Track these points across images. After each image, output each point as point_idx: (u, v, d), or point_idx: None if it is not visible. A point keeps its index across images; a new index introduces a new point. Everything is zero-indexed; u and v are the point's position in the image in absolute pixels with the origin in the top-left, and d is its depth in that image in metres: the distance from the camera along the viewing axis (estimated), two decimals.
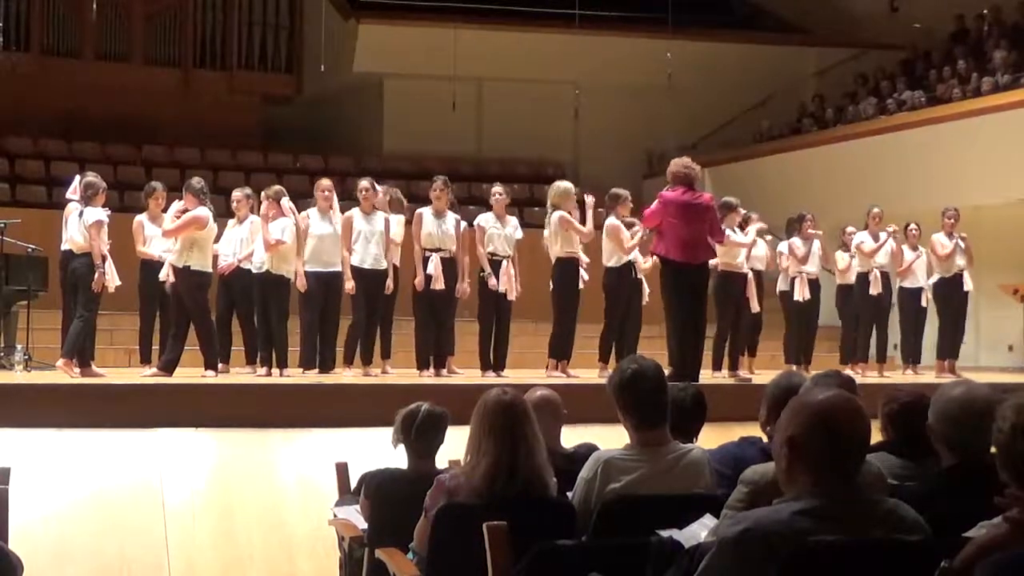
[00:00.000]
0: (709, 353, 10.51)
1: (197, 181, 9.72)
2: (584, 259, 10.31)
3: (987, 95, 15.46)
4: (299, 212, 10.12)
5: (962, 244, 11.88)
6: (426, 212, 10.14)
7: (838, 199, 15.39)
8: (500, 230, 10.24)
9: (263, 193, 9.95)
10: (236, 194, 10.27)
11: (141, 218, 10.22)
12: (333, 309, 10.06)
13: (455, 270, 10.11)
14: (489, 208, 10.46)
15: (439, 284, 9.94)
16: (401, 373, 10.34)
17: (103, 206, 9.28)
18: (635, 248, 10.22)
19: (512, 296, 10.19)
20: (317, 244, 9.93)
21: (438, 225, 10.07)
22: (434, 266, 9.91)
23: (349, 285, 9.90)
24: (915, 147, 15.71)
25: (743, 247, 10.95)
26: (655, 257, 9.80)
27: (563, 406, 4.93)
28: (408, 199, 13.56)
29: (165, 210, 9.95)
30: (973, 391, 3.73)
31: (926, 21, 18.74)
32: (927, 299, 12.18)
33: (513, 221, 10.44)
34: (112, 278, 9.08)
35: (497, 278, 10.10)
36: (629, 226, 10.34)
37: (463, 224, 10.31)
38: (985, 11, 17.94)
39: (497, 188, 10.50)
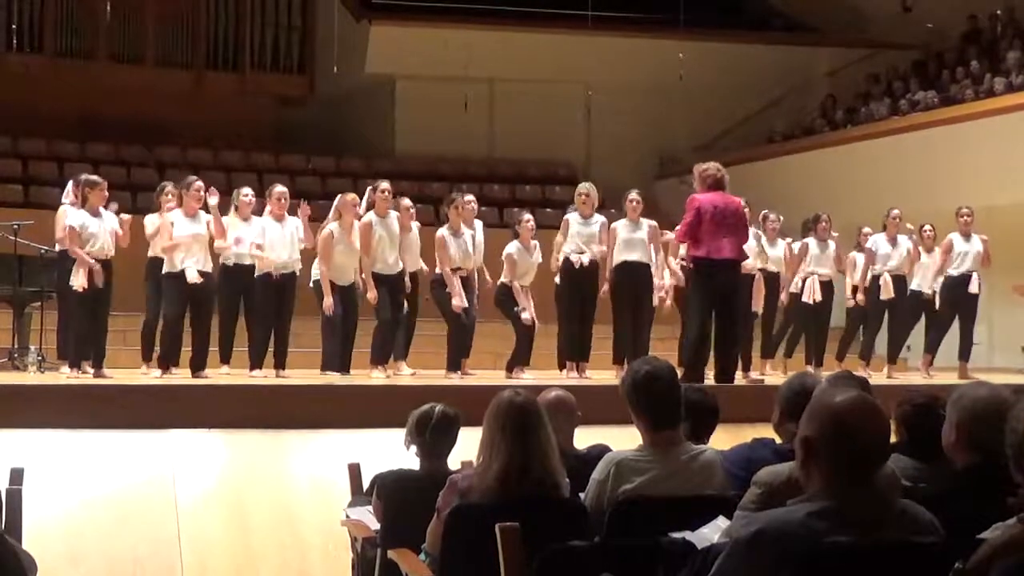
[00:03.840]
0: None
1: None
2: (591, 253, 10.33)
3: (1000, 95, 15.41)
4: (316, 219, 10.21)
5: (980, 245, 11.80)
6: (445, 234, 10.21)
7: (850, 200, 15.35)
8: (527, 260, 10.39)
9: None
10: (283, 190, 10.24)
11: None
12: (350, 318, 10.08)
13: (473, 283, 10.27)
14: (503, 226, 10.58)
15: (464, 303, 10.10)
16: (416, 374, 10.35)
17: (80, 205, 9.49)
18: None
19: (529, 319, 10.36)
20: (338, 259, 9.95)
21: (458, 245, 10.20)
22: (457, 290, 10.07)
23: (372, 295, 9.92)
24: (928, 147, 15.66)
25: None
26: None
27: (576, 407, 4.93)
28: (420, 200, 13.60)
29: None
30: (998, 392, 3.73)
31: (939, 21, 18.69)
32: (933, 301, 12.12)
33: (536, 248, 10.58)
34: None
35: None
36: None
37: (480, 232, 10.36)
38: (999, 11, 17.90)
39: (526, 215, 10.68)
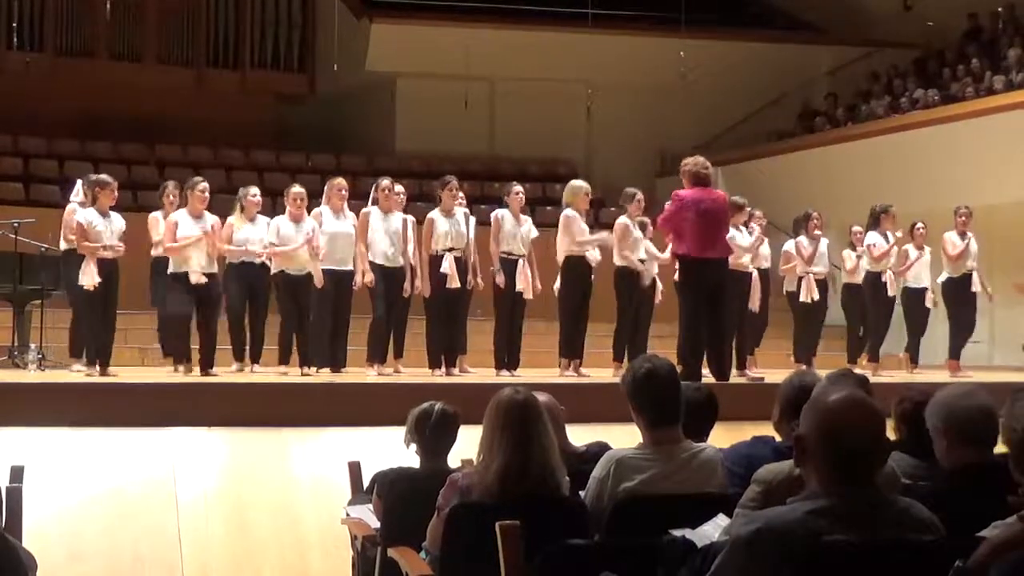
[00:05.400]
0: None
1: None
2: (594, 257, 10.29)
3: (1001, 93, 15.40)
4: (311, 210, 10.16)
5: (973, 245, 11.82)
6: (436, 214, 10.16)
7: (851, 198, 15.33)
8: (516, 228, 10.28)
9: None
10: (301, 190, 10.19)
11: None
12: (345, 308, 10.08)
13: (466, 267, 10.14)
14: (504, 205, 10.49)
15: (455, 283, 9.98)
16: (413, 372, 10.35)
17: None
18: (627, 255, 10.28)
19: (529, 295, 10.24)
20: (330, 242, 9.94)
21: (450, 224, 10.09)
22: (449, 265, 9.95)
23: (369, 278, 9.89)
24: (928, 146, 15.65)
25: (746, 251, 10.95)
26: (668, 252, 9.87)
27: (558, 405, 4.86)
28: (421, 198, 13.60)
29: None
30: (975, 391, 3.74)
31: (939, 19, 18.68)
32: (931, 299, 12.14)
33: (528, 220, 10.47)
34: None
35: (513, 277, 10.15)
36: (642, 226, 10.44)
37: (472, 220, 10.33)
38: (999, 9, 17.89)
39: (516, 187, 10.53)
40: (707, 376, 9.08)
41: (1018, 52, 16.06)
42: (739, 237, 10.74)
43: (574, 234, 10.15)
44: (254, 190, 10.31)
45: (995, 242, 12.13)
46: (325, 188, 10.33)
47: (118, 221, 9.54)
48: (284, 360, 10.03)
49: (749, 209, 11.25)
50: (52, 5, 18.32)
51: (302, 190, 10.20)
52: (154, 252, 10.18)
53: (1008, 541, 2.74)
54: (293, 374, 9.72)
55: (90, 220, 9.35)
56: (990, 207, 13.47)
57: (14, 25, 17.79)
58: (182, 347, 9.80)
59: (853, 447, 2.86)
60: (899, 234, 11.92)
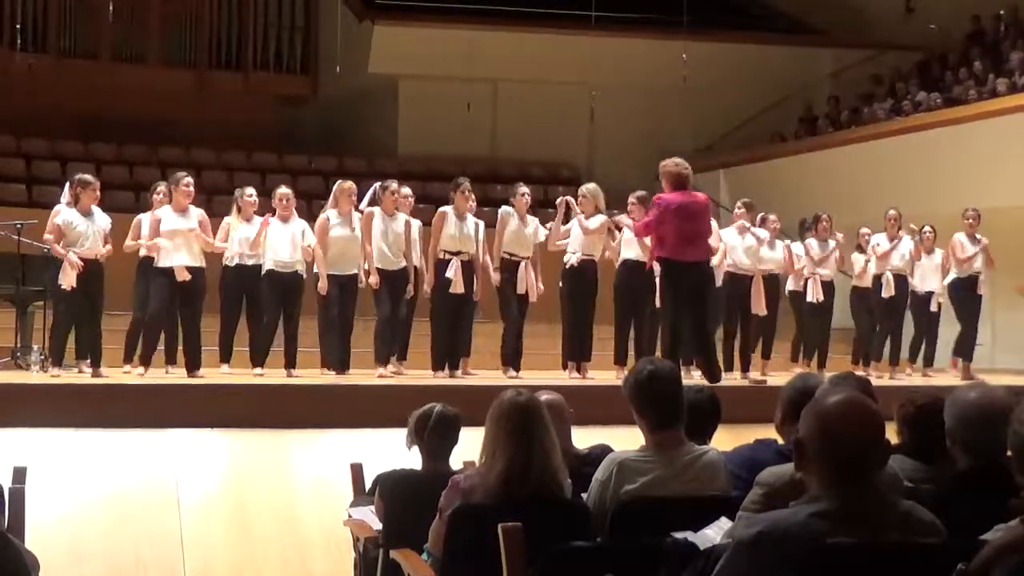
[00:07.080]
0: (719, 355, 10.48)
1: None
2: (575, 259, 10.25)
3: (1003, 96, 15.40)
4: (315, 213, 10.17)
5: (983, 247, 11.82)
6: (449, 212, 10.12)
7: (853, 201, 15.34)
8: (521, 230, 10.26)
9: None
10: (287, 191, 10.23)
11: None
12: (349, 311, 10.08)
13: (473, 272, 10.12)
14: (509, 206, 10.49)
15: (459, 288, 9.92)
16: (416, 374, 10.34)
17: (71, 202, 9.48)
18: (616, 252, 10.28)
19: (534, 297, 10.22)
20: (337, 246, 9.94)
21: (460, 227, 10.07)
22: (454, 270, 9.92)
23: (373, 279, 9.88)
24: (931, 149, 15.65)
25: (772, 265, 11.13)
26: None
27: (567, 406, 4.88)
28: (422, 200, 13.58)
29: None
30: (989, 393, 3.73)
31: (942, 22, 18.68)
32: (938, 303, 12.14)
33: (534, 222, 10.44)
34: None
35: (515, 279, 10.13)
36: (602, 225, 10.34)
37: (482, 226, 10.32)
38: (1002, 11, 17.89)
39: (522, 188, 10.52)
40: (702, 379, 9.08)
41: (1021, 55, 16.06)
42: (765, 251, 11.01)
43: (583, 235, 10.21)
44: (250, 190, 10.30)
45: (998, 244, 12.12)
46: (334, 190, 10.29)
47: (102, 220, 9.49)
48: (260, 363, 9.95)
49: (762, 214, 11.31)
50: (55, 6, 18.35)
51: (288, 191, 10.21)
52: (141, 252, 10.13)
53: (1010, 544, 2.74)
54: (278, 375, 9.71)
55: (70, 221, 9.33)
56: (992, 210, 13.44)
57: (17, 26, 17.81)
58: (152, 344, 9.64)
59: (852, 449, 2.86)
60: (912, 226, 11.94)
